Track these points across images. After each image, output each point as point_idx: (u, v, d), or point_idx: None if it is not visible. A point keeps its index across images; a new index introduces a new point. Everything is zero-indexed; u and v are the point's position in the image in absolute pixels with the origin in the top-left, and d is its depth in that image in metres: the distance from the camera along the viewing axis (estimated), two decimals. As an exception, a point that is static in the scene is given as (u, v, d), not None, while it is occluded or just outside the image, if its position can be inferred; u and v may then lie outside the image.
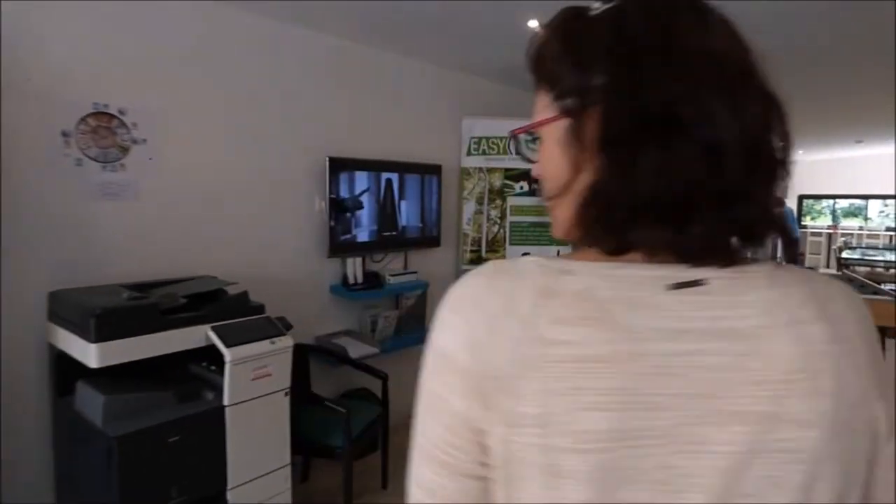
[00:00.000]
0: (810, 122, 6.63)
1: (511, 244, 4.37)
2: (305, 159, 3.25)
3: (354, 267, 3.47)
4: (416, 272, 3.84)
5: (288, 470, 2.37)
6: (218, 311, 2.24)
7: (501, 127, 4.27)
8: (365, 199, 3.48)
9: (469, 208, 4.31)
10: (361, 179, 3.45)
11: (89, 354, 1.92)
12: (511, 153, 4.26)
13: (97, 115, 2.43)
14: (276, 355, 2.26)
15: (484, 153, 4.29)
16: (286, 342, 2.29)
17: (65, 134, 2.35)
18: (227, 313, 2.26)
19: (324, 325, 3.45)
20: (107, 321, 1.93)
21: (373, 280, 3.54)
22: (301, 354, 3.08)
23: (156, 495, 1.97)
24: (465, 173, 4.29)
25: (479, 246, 4.34)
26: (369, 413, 2.89)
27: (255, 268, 3.05)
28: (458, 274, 4.46)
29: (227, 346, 2.13)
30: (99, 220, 2.46)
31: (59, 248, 2.34)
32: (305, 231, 3.30)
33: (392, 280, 3.65)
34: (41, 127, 2.29)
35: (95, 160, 2.44)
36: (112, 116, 2.48)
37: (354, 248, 3.47)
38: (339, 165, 3.31)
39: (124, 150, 2.52)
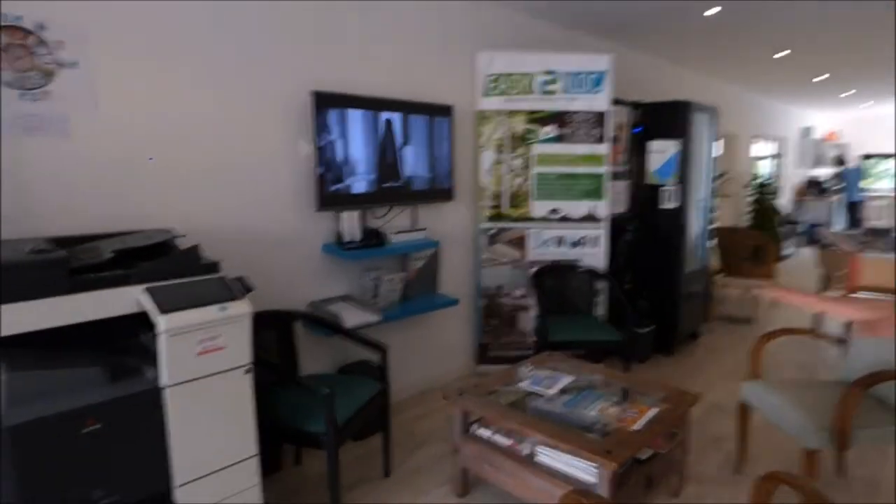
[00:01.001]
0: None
1: (537, 199, 3.80)
2: (286, 93, 2.75)
3: (351, 222, 2.98)
4: (424, 230, 3.33)
5: (254, 462, 1.94)
6: (156, 269, 1.78)
7: (524, 61, 3.67)
8: (359, 142, 2.96)
9: (487, 158, 3.75)
10: (355, 119, 2.93)
11: (-23, 322, 1.49)
12: (536, 92, 3.67)
13: (8, 29, 1.97)
14: (228, 325, 1.80)
15: (503, 93, 3.70)
16: (240, 308, 1.82)
17: (-30, 53, 1.90)
18: (168, 273, 1.80)
19: (317, 290, 3.00)
20: (-4, 279, 1.49)
21: (372, 238, 3.05)
22: (284, 323, 2.64)
23: (69, 498, 1.56)
24: (481, 117, 3.72)
25: (500, 201, 3.79)
26: (365, 391, 2.42)
27: (226, 223, 2.59)
28: (477, 233, 3.99)
29: (163, 311, 1.68)
30: (21, 159, 2.02)
31: (-30, 195, 1.92)
32: (289, 180, 2.81)
33: (396, 238, 3.15)
34: (-62, 43, 1.84)
35: (9, 86, 1.99)
36: (27, 32, 2.01)
37: (350, 201, 2.97)
38: (327, 101, 2.79)
39: (48, 74, 2.06)
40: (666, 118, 4.17)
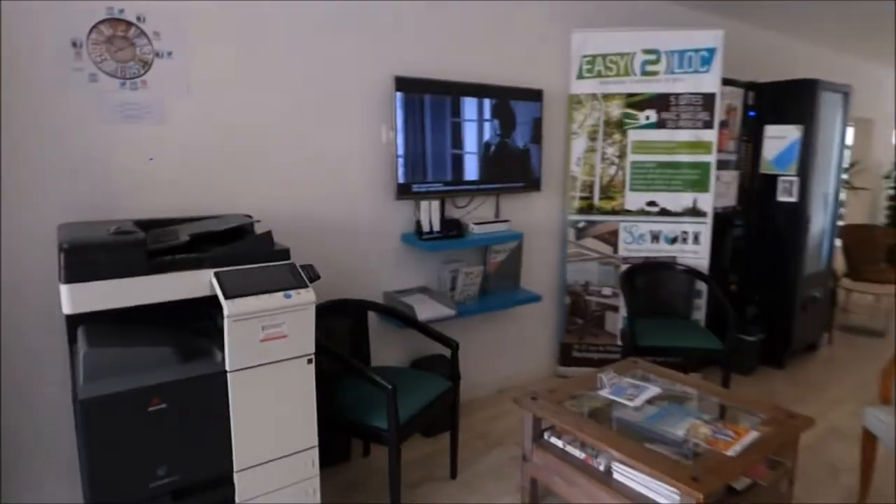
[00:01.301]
0: None
1: (632, 190, 3.51)
2: (370, 79, 2.71)
3: (430, 212, 2.90)
4: (507, 221, 3.18)
5: (314, 453, 1.92)
6: (228, 254, 1.80)
7: (622, 40, 3.38)
8: (442, 129, 2.86)
9: (579, 145, 3.51)
10: (438, 105, 2.83)
11: (62, 298, 1.57)
12: (635, 73, 3.37)
13: (111, 21, 2.07)
14: (292, 312, 1.78)
15: (599, 75, 3.44)
16: (306, 297, 1.79)
17: (75, 44, 2.02)
18: (240, 258, 1.81)
19: (394, 281, 2.96)
20: (78, 259, 1.55)
21: (452, 228, 2.95)
22: (359, 313, 2.62)
23: (135, 473, 1.61)
24: (574, 101, 3.48)
25: (591, 192, 3.54)
26: (433, 387, 2.35)
27: (306, 210, 2.61)
28: (565, 226, 3.77)
29: (228, 297, 1.68)
30: (118, 146, 2.13)
31: (71, 178, 2.05)
32: (370, 167, 2.78)
33: (476, 230, 3.03)
34: (47, 36, 1.97)
35: (112, 76, 2.09)
36: (129, 24, 2.10)
37: (429, 190, 2.89)
38: (409, 86, 2.72)
39: (145, 64, 2.14)
40: (787, 100, 3.69)
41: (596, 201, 3.55)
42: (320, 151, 2.63)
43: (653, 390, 2.28)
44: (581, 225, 3.57)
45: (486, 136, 3.05)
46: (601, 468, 1.99)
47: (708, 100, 3.37)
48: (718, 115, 3.39)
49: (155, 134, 2.19)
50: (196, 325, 1.91)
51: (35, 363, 2.06)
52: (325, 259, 2.69)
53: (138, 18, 2.12)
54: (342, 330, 2.54)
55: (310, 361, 1.86)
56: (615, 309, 3.57)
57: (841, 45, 5.62)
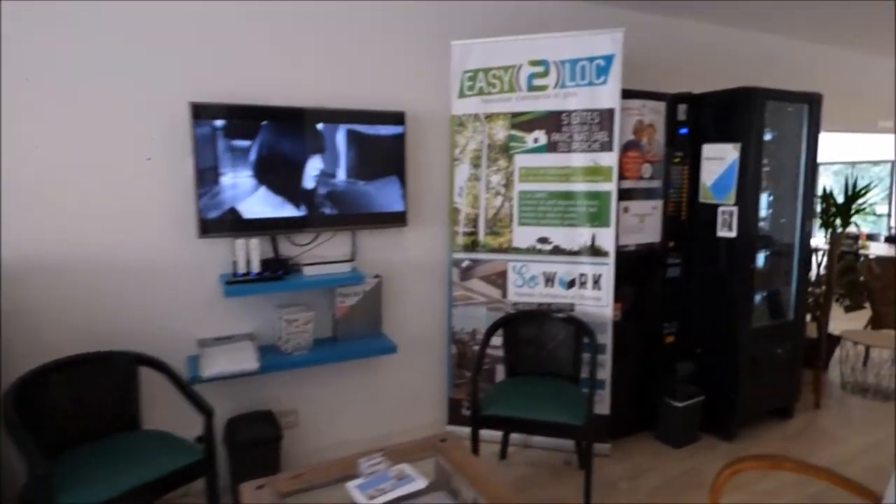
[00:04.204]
0: None
1: (521, 224, 3.00)
2: (169, 106, 2.46)
3: (248, 251, 2.58)
4: (350, 261, 2.79)
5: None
6: None
7: (506, 49, 2.92)
8: (264, 158, 2.55)
9: (462, 173, 3.06)
10: (261, 132, 2.52)
11: None
12: (521, 88, 2.90)
13: None
14: None
15: (481, 92, 2.99)
16: None
17: None
18: None
19: (214, 327, 2.65)
20: None
21: (274, 269, 2.61)
22: (127, 368, 2.32)
23: None
24: (455, 123, 3.05)
25: (476, 226, 3.07)
26: (168, 461, 1.99)
27: (97, 252, 2.39)
28: (450, 265, 3.28)
29: None
30: None
31: None
32: (176, 203, 2.52)
33: (309, 271, 2.67)
34: None
35: None
36: None
37: (247, 226, 2.57)
38: (214, 113, 2.43)
39: None
40: (730, 113, 3.04)
41: (481, 237, 3.06)
42: (118, 190, 2.40)
43: (411, 486, 1.80)
44: (465, 264, 3.09)
45: (327, 165, 2.70)
46: None
47: (606, 117, 2.82)
48: (618, 135, 2.83)
49: None
50: None
51: None
52: (123, 306, 2.46)
53: None
54: (104, 388, 2.25)
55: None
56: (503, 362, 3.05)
57: (880, 48, 4.72)
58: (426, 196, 3.09)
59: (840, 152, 8.77)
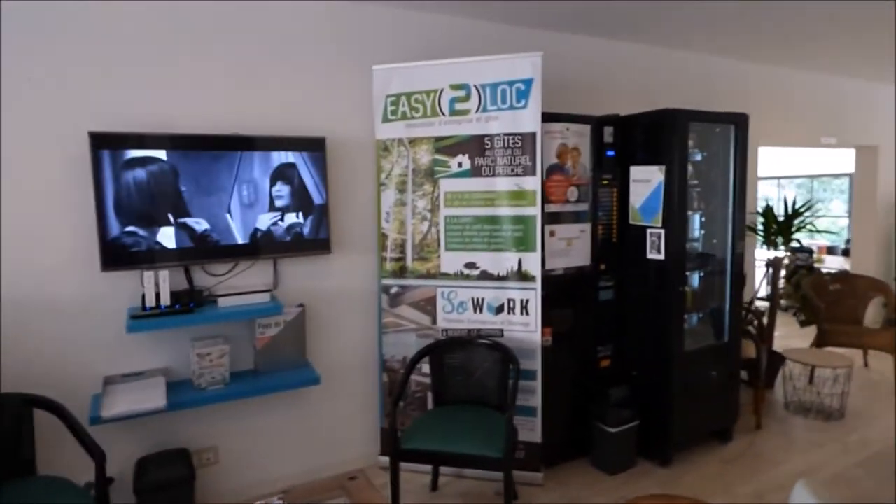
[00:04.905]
0: None
1: (448, 249, 2.96)
2: (64, 135, 2.38)
3: (157, 283, 2.50)
4: (268, 291, 2.71)
5: None
6: None
7: (427, 74, 2.90)
8: (184, 190, 2.48)
9: (388, 198, 3.02)
10: (168, 160, 2.45)
11: None
12: (444, 112, 2.87)
13: None
14: None
15: (405, 117, 2.95)
16: None
17: None
18: None
19: (122, 363, 2.56)
20: None
21: (185, 302, 2.53)
22: (20, 410, 2.21)
23: None
24: (381, 148, 3.01)
25: (404, 251, 3.02)
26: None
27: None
28: (380, 291, 3.21)
29: None
30: None
31: None
32: (78, 236, 2.43)
33: (224, 302, 2.59)
34: None
35: None
36: None
37: (157, 257, 2.49)
38: (115, 143, 2.36)
39: None
40: (655, 135, 3.03)
41: (409, 263, 3.01)
42: (17, 222, 2.32)
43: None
44: (394, 290, 3.03)
45: (243, 193, 2.63)
46: None
47: (528, 141, 2.80)
48: (541, 159, 2.81)
49: None
50: None
51: None
52: (22, 343, 2.36)
53: None
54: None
55: None
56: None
57: (820, 65, 4.79)
58: (352, 222, 3.03)
59: (802, 166, 8.91)
